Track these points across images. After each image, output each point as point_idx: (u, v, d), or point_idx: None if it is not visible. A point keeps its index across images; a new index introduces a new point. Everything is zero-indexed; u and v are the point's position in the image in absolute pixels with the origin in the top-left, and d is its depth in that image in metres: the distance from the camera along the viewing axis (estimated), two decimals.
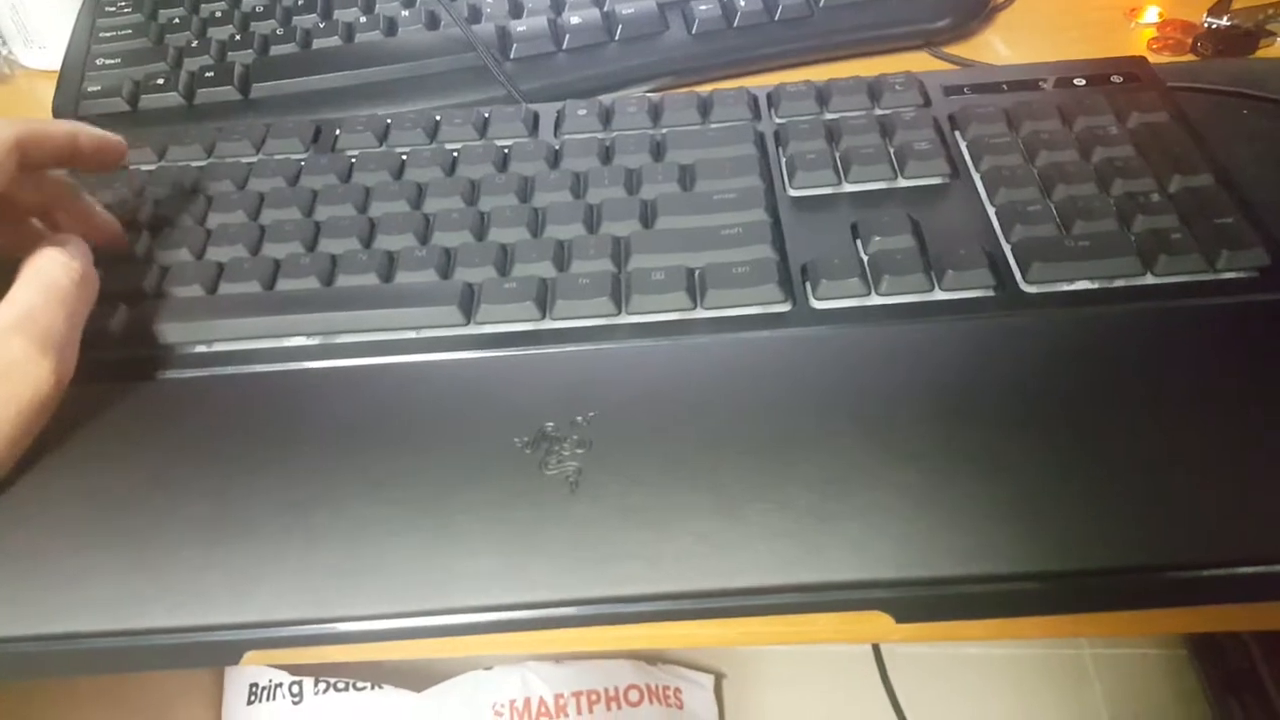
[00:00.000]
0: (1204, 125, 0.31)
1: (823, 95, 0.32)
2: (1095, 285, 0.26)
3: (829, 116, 0.32)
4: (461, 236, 0.29)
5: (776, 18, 0.36)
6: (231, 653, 0.23)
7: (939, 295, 0.27)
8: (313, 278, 0.28)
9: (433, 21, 0.37)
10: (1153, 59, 0.36)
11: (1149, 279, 0.26)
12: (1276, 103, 0.33)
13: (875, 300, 0.27)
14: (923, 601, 0.22)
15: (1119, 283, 0.26)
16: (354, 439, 0.25)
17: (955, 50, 0.37)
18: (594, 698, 0.62)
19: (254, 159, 0.33)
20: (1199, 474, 0.23)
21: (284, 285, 0.29)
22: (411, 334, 0.27)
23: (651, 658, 0.66)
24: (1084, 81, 0.32)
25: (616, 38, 0.36)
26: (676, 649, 0.68)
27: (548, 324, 0.27)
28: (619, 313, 0.27)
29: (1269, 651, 0.66)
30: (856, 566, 0.22)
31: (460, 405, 0.26)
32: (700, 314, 0.27)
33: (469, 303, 0.27)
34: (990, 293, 0.27)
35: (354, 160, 0.32)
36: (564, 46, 0.36)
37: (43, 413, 0.24)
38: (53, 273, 0.25)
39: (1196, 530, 0.22)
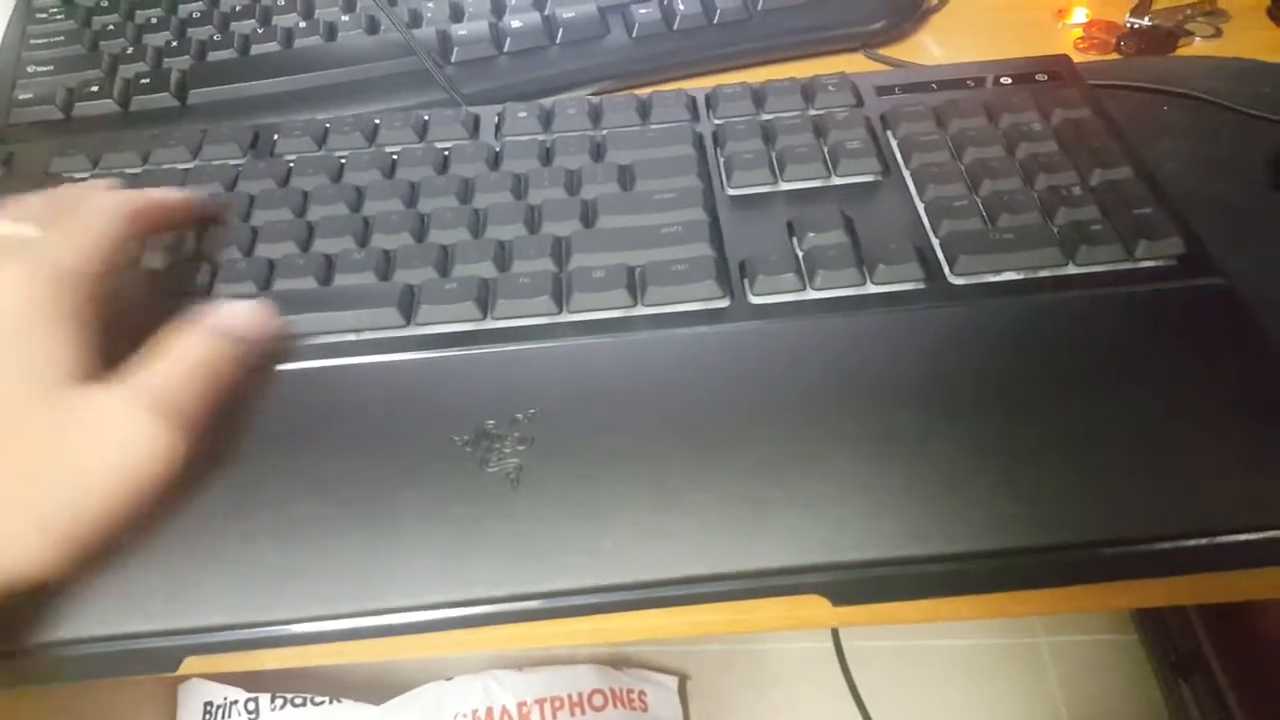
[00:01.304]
0: (1125, 121, 0.33)
1: (759, 96, 0.33)
2: (1020, 276, 0.27)
3: (765, 117, 0.32)
4: (401, 238, 0.29)
5: (715, 21, 0.37)
6: (168, 660, 0.23)
7: (871, 289, 0.27)
8: (250, 282, 0.28)
9: (373, 26, 0.37)
10: (1079, 58, 0.37)
11: (1071, 268, 0.27)
12: (1193, 99, 0.34)
13: (810, 294, 0.27)
14: (857, 584, 0.23)
15: (1043, 273, 0.27)
16: (293, 441, 0.25)
17: (890, 52, 0.38)
18: (558, 704, 0.62)
19: (190, 165, 0.32)
20: (1122, 453, 0.23)
21: (221, 290, 0.28)
22: (352, 336, 0.27)
23: (616, 661, 0.66)
24: (1010, 80, 0.33)
25: (557, 41, 0.36)
26: (640, 652, 0.68)
27: (489, 324, 0.27)
28: (560, 311, 0.27)
29: (1215, 633, 0.68)
30: (792, 552, 0.22)
31: (401, 405, 0.26)
32: (640, 311, 0.27)
33: (409, 304, 0.27)
34: (920, 285, 0.27)
35: (292, 165, 0.32)
36: (505, 50, 0.36)
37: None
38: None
39: (1119, 507, 0.23)
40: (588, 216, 0.29)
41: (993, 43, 0.39)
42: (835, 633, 0.68)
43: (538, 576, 0.22)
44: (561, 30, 0.37)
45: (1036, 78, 0.33)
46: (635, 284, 0.28)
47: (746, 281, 0.28)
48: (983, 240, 0.27)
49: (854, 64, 0.38)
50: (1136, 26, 0.38)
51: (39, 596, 0.22)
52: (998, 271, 0.27)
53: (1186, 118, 0.34)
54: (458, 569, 0.23)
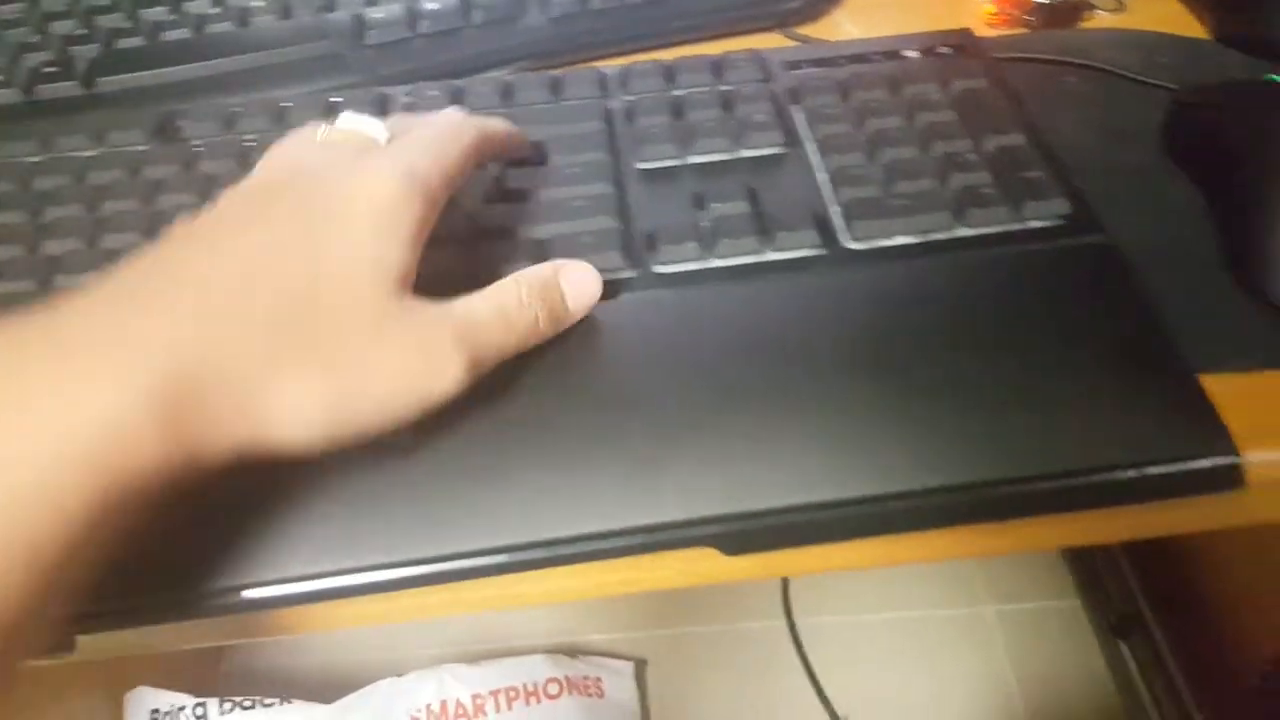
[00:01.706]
0: (1028, 91, 0.33)
1: (669, 73, 0.33)
2: (914, 239, 0.28)
3: (675, 93, 0.33)
4: None
5: (631, 1, 0.37)
6: (61, 638, 0.23)
7: (771, 255, 0.28)
8: None
9: (286, 11, 0.37)
10: (992, 33, 0.38)
11: (962, 231, 0.28)
12: (1094, 69, 0.35)
13: (713, 263, 0.28)
14: (747, 534, 0.23)
15: (936, 236, 0.28)
16: None
17: (807, 30, 0.39)
18: (512, 694, 0.62)
19: (94, 152, 0.32)
20: (1006, 400, 0.24)
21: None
22: None
23: (570, 650, 0.67)
24: (915, 54, 0.33)
25: (473, 22, 0.36)
26: (596, 640, 0.69)
27: None
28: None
29: (1151, 596, 0.70)
30: (684, 506, 0.23)
31: None
32: None
33: None
34: (819, 251, 0.28)
35: (199, 149, 0.32)
36: (420, 32, 0.36)
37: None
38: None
39: (1005, 450, 0.23)
40: (499, 193, 0.30)
41: (908, 20, 0.40)
42: (788, 610, 0.69)
43: (434, 542, 0.23)
44: (478, 11, 0.37)
45: (939, 51, 0.33)
46: (542, 256, 0.28)
47: (651, 252, 0.28)
48: (878, 206, 0.28)
49: (772, 43, 0.38)
50: (1044, 2, 0.39)
51: None
52: (892, 236, 0.28)
53: (1087, 87, 0.35)
54: (354, 538, 0.23)
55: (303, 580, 0.22)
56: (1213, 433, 0.24)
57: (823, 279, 0.27)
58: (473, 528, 0.23)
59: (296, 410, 0.21)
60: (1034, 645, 0.68)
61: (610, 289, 0.28)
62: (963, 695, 0.66)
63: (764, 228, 0.28)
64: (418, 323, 0.22)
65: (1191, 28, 0.37)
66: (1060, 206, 0.28)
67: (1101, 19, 0.39)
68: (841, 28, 0.40)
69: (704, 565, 0.24)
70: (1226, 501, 0.24)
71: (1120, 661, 0.68)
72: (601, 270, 0.28)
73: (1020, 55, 0.36)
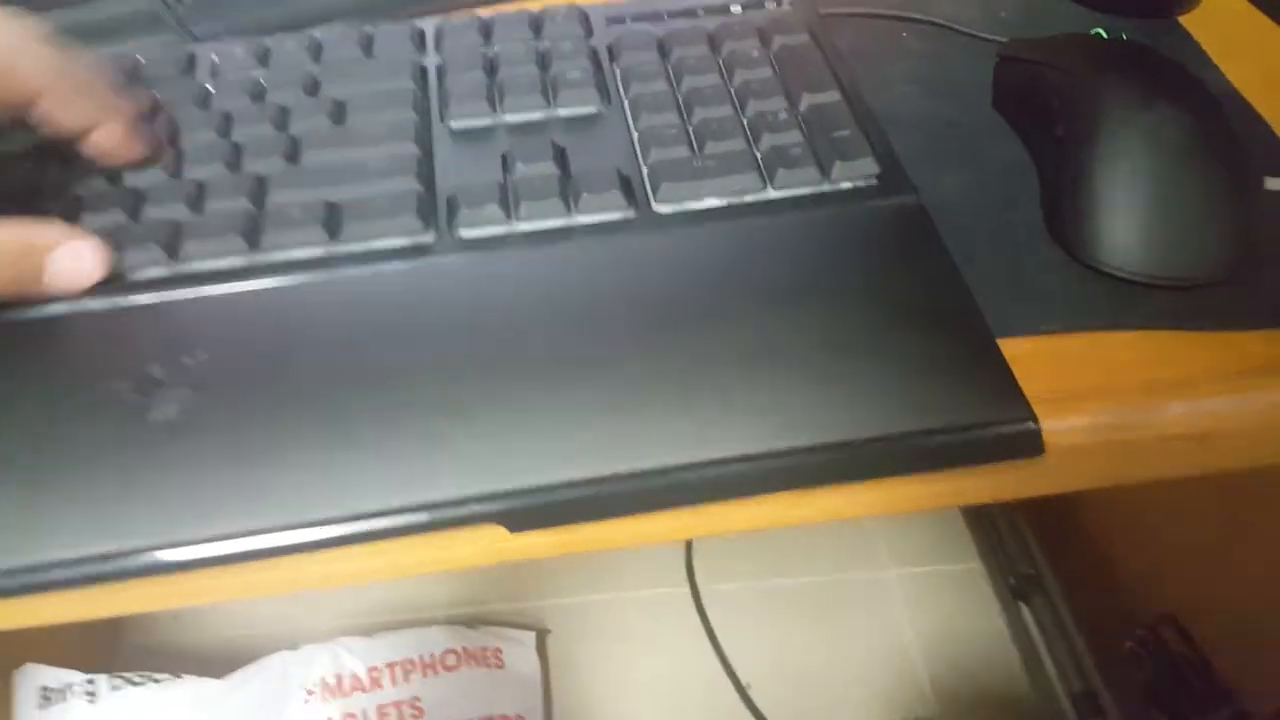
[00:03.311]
0: (860, 48, 0.33)
1: (486, 28, 0.32)
2: (722, 202, 0.27)
3: (492, 50, 0.31)
4: (94, 184, 0.28)
5: None
6: None
7: (578, 219, 0.27)
8: None
9: None
10: None
11: (770, 193, 0.27)
12: (930, 24, 0.34)
13: (518, 227, 0.27)
14: (531, 510, 0.22)
15: (746, 198, 0.27)
16: None
17: None
18: (409, 666, 0.61)
19: None
20: (805, 363, 0.24)
21: None
22: None
23: (470, 620, 0.66)
24: (740, 9, 0.32)
25: None
26: (496, 610, 0.69)
27: (177, 268, 0.26)
28: (252, 251, 0.26)
29: (1051, 558, 0.71)
30: (465, 482, 0.22)
31: (76, 357, 0.25)
32: (339, 248, 0.27)
33: None
34: (627, 214, 0.27)
35: None
36: None
37: None
38: None
39: (800, 417, 0.23)
40: (292, 153, 0.28)
41: None
42: (691, 577, 0.69)
43: (194, 523, 0.22)
44: None
45: (766, 5, 0.33)
46: (334, 221, 0.27)
47: (452, 216, 0.27)
48: (686, 168, 0.27)
49: None
50: None
51: None
52: (700, 198, 0.27)
53: (923, 43, 0.34)
54: (114, 519, 0.22)
55: (63, 566, 0.21)
56: (1010, 399, 0.23)
57: (628, 243, 0.27)
58: (240, 508, 0.22)
59: None
60: (935, 608, 0.70)
61: (408, 254, 0.27)
62: (864, 659, 0.67)
63: (570, 190, 0.27)
64: None
65: None
66: (870, 166, 0.28)
67: None
68: None
69: (496, 544, 0.23)
70: (1027, 468, 0.24)
71: (1020, 624, 0.69)
72: (398, 235, 0.27)
73: (858, 11, 0.35)
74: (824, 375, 0.24)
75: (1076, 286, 0.27)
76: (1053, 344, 0.26)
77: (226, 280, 0.26)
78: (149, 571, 0.22)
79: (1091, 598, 0.66)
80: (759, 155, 0.28)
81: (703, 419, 0.23)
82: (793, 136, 0.28)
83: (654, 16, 0.32)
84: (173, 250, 0.26)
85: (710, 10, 0.32)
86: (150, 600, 0.24)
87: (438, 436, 0.23)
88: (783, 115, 0.28)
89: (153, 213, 0.27)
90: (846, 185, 0.28)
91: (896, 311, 0.25)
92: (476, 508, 0.22)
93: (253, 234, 0.26)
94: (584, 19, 0.32)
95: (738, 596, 0.69)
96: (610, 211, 0.27)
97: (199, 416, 0.23)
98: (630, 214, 0.27)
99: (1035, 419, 0.23)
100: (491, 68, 0.31)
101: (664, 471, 0.23)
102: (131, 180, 0.28)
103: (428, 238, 0.27)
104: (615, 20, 0.32)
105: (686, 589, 0.68)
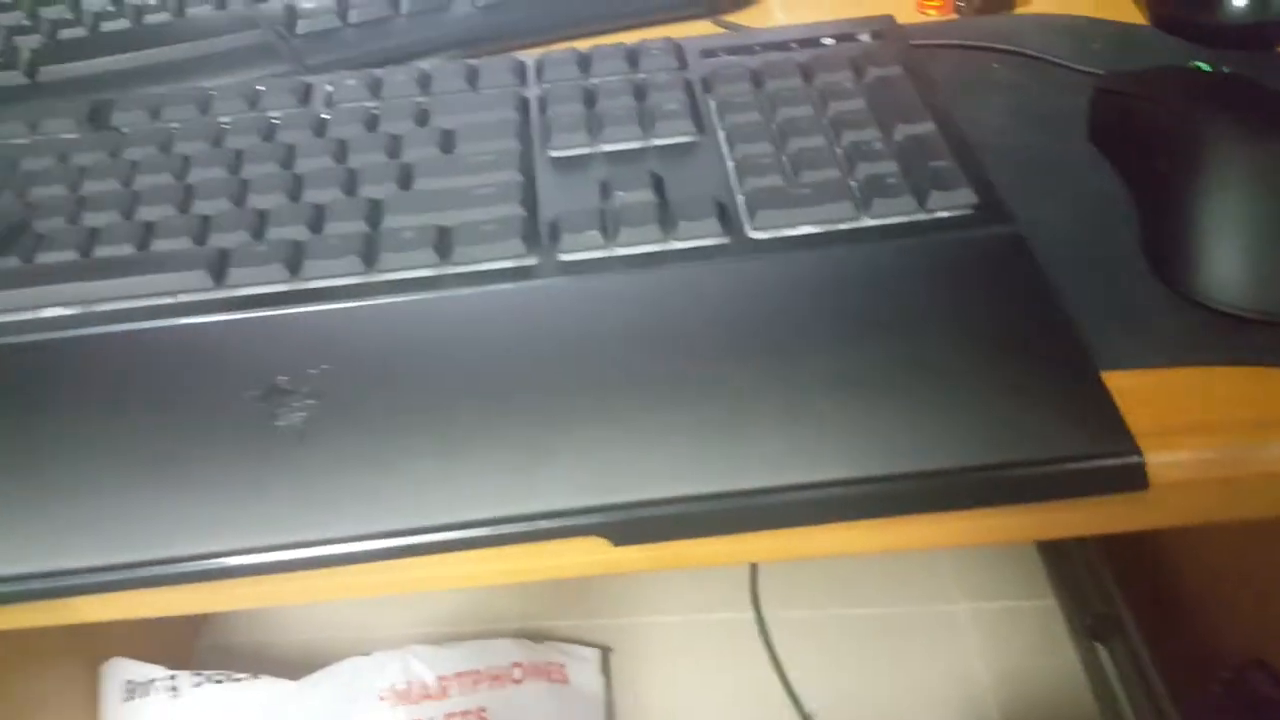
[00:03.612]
0: (952, 79, 0.33)
1: (584, 61, 0.33)
2: (818, 229, 0.28)
3: (589, 81, 0.33)
4: (219, 204, 0.30)
5: None
6: None
7: (674, 244, 0.28)
8: (72, 250, 0.29)
9: (220, 1, 0.38)
10: (921, 19, 0.38)
11: (866, 221, 0.28)
12: (1022, 55, 0.35)
13: (616, 251, 0.28)
14: (635, 524, 0.23)
15: (840, 226, 0.28)
16: (97, 402, 0.25)
17: (737, 18, 0.39)
18: (477, 677, 0.62)
19: (27, 140, 0.33)
20: (902, 393, 0.24)
21: (43, 258, 0.29)
22: (167, 299, 0.28)
23: (537, 635, 0.67)
24: (833, 41, 0.33)
25: (403, 11, 0.37)
26: (562, 626, 0.69)
27: (298, 284, 0.28)
28: (368, 271, 0.28)
29: (1130, 598, 0.69)
30: (569, 494, 0.23)
31: (203, 365, 0.26)
32: (449, 270, 0.28)
33: (219, 266, 0.28)
34: (722, 240, 0.28)
35: (126, 136, 0.32)
36: (350, 21, 0.37)
37: None
38: None
39: (898, 444, 0.23)
40: (405, 179, 0.30)
41: (840, 7, 0.39)
42: (756, 603, 0.69)
43: (318, 525, 0.23)
44: (406, 1, 0.37)
45: (859, 38, 0.33)
46: (444, 243, 0.28)
47: (554, 240, 0.28)
48: (782, 196, 0.28)
49: (704, 31, 0.38)
50: None
51: None
52: (795, 225, 0.28)
53: (1015, 74, 0.34)
54: (239, 519, 0.23)
55: (194, 560, 0.23)
56: (1114, 431, 0.23)
57: (724, 268, 0.27)
58: (359, 513, 0.23)
59: None
60: (1007, 644, 0.68)
61: (512, 276, 0.28)
62: (933, 694, 0.66)
63: (667, 216, 0.28)
64: None
65: (1129, 13, 0.37)
66: (967, 196, 0.28)
67: (1037, 4, 0.38)
68: (773, 15, 0.40)
69: (595, 556, 0.24)
70: (1128, 503, 0.24)
71: (1096, 664, 0.67)
72: (503, 258, 0.28)
73: (948, 42, 0.35)
74: (922, 403, 0.24)
75: (1178, 320, 0.26)
76: (1155, 378, 0.25)
77: (344, 297, 0.27)
78: (277, 569, 0.23)
79: (1173, 639, 0.64)
80: (854, 184, 0.28)
81: (801, 442, 0.23)
82: (888, 166, 0.28)
83: (746, 49, 0.33)
84: (294, 268, 0.28)
85: (802, 43, 0.33)
86: (270, 596, 0.25)
87: (546, 450, 0.24)
88: (878, 145, 0.29)
89: (275, 233, 0.29)
90: (943, 214, 0.28)
91: (995, 341, 0.25)
92: (584, 519, 0.23)
93: (369, 254, 0.28)
94: (678, 51, 0.33)
95: (803, 624, 0.68)
96: (706, 237, 0.28)
97: (322, 425, 0.24)
98: (725, 239, 0.28)
99: (1140, 453, 0.23)
100: (590, 99, 0.32)
101: (764, 492, 0.23)
102: (255, 202, 0.30)
103: (531, 260, 0.28)
104: (709, 53, 0.33)
105: (751, 614, 0.68)
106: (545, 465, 0.24)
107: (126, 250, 0.29)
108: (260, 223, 0.29)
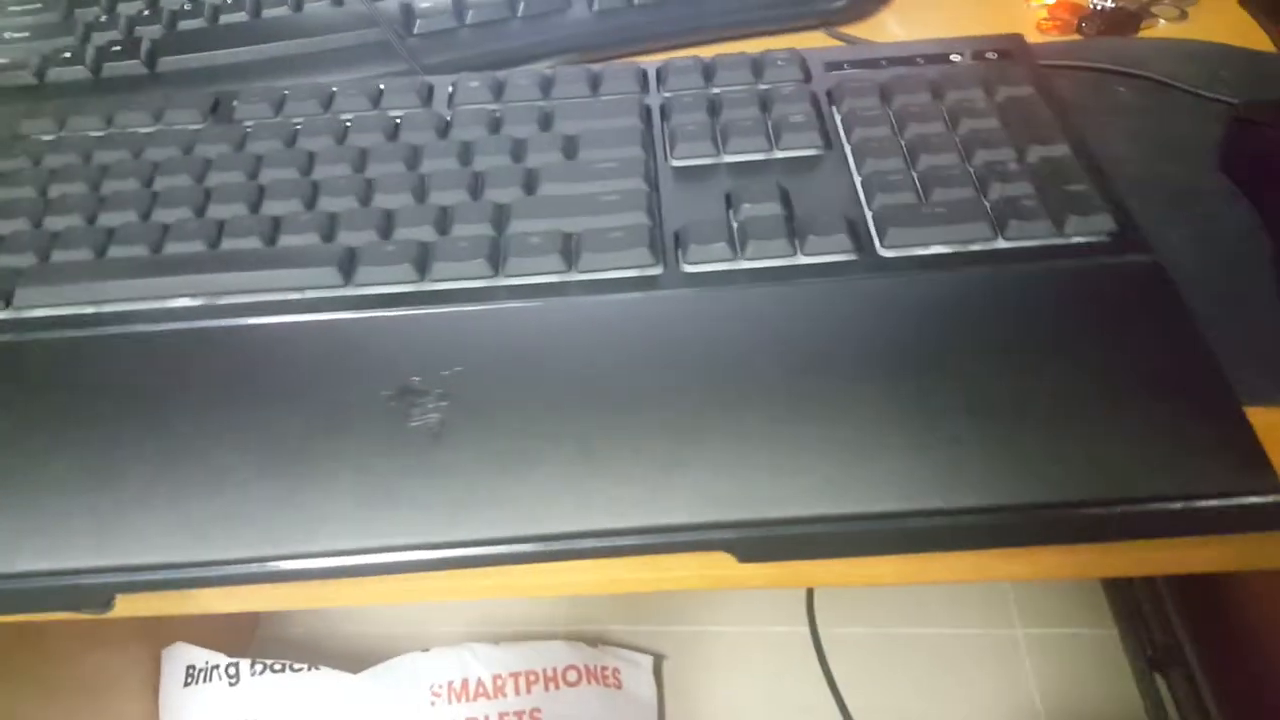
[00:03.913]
0: (1079, 101, 0.33)
1: (708, 70, 0.33)
2: (950, 249, 0.27)
3: (713, 91, 0.33)
4: (346, 202, 0.30)
5: None
6: (100, 596, 0.24)
7: (801, 259, 0.28)
8: (199, 241, 0.29)
9: None
10: (1041, 39, 0.37)
11: (1000, 243, 0.27)
12: (1149, 80, 0.34)
13: (742, 264, 0.28)
14: (763, 542, 0.23)
15: (973, 247, 0.27)
16: (229, 394, 0.26)
17: (851, 30, 0.38)
18: (532, 678, 0.63)
19: (152, 129, 0.33)
20: (1036, 421, 0.24)
21: (171, 249, 0.29)
22: (294, 295, 0.28)
23: (592, 639, 0.67)
24: (960, 58, 0.33)
25: (519, 14, 0.37)
26: (616, 631, 0.69)
27: (425, 285, 0.28)
28: (495, 275, 0.28)
29: (1193, 628, 0.67)
30: (700, 508, 0.23)
31: (333, 361, 0.26)
32: (574, 276, 0.28)
33: (348, 264, 0.28)
34: (850, 256, 0.28)
35: (249, 130, 0.33)
36: (467, 22, 0.37)
37: None
38: None
39: (1032, 473, 0.23)
40: (530, 184, 0.30)
41: (955, 23, 0.39)
42: (811, 617, 0.68)
43: (451, 526, 0.23)
44: (523, 3, 0.37)
45: (987, 56, 0.33)
46: (570, 250, 0.28)
47: (680, 250, 0.28)
48: (914, 214, 0.28)
49: (815, 42, 0.38)
50: (1100, 8, 0.38)
51: None
52: (927, 245, 0.27)
53: (1141, 99, 0.34)
54: (376, 517, 0.23)
55: (329, 556, 0.23)
56: (1258, 468, 0.23)
57: (852, 286, 0.27)
58: (492, 516, 0.23)
59: None
60: (1064, 672, 0.67)
61: (637, 285, 0.28)
62: (988, 718, 0.65)
63: (795, 230, 0.28)
64: None
65: (1258, 40, 0.36)
66: (1105, 223, 0.27)
67: (1161, 29, 0.38)
68: (886, 28, 0.39)
69: (717, 570, 0.24)
70: (1268, 541, 0.23)
71: (1156, 696, 0.66)
72: (629, 267, 0.28)
73: (1072, 63, 0.35)
74: (1061, 433, 0.23)
75: None
76: None
77: (470, 300, 0.27)
78: (409, 569, 0.23)
79: (1235, 673, 0.62)
80: (988, 204, 0.28)
81: (933, 468, 0.23)
82: (1023, 188, 0.28)
83: (872, 63, 0.33)
84: (422, 268, 0.28)
85: (929, 58, 0.33)
86: (390, 595, 0.25)
87: (678, 463, 0.24)
88: (1012, 166, 0.28)
89: (402, 233, 0.29)
90: (1079, 240, 0.27)
91: (1134, 372, 0.24)
92: (714, 534, 0.23)
93: (496, 258, 0.28)
94: (802, 63, 0.33)
95: (858, 641, 0.68)
96: (835, 253, 0.28)
97: (455, 426, 0.24)
98: (854, 256, 0.28)
99: None
100: (714, 108, 0.32)
101: (897, 516, 0.23)
102: (381, 201, 0.30)
103: (656, 270, 0.28)
104: (833, 65, 0.33)
105: (805, 629, 0.67)
106: (678, 478, 0.23)
107: (254, 244, 0.29)
108: (387, 222, 0.29)
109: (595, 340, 0.26)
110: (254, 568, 0.23)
